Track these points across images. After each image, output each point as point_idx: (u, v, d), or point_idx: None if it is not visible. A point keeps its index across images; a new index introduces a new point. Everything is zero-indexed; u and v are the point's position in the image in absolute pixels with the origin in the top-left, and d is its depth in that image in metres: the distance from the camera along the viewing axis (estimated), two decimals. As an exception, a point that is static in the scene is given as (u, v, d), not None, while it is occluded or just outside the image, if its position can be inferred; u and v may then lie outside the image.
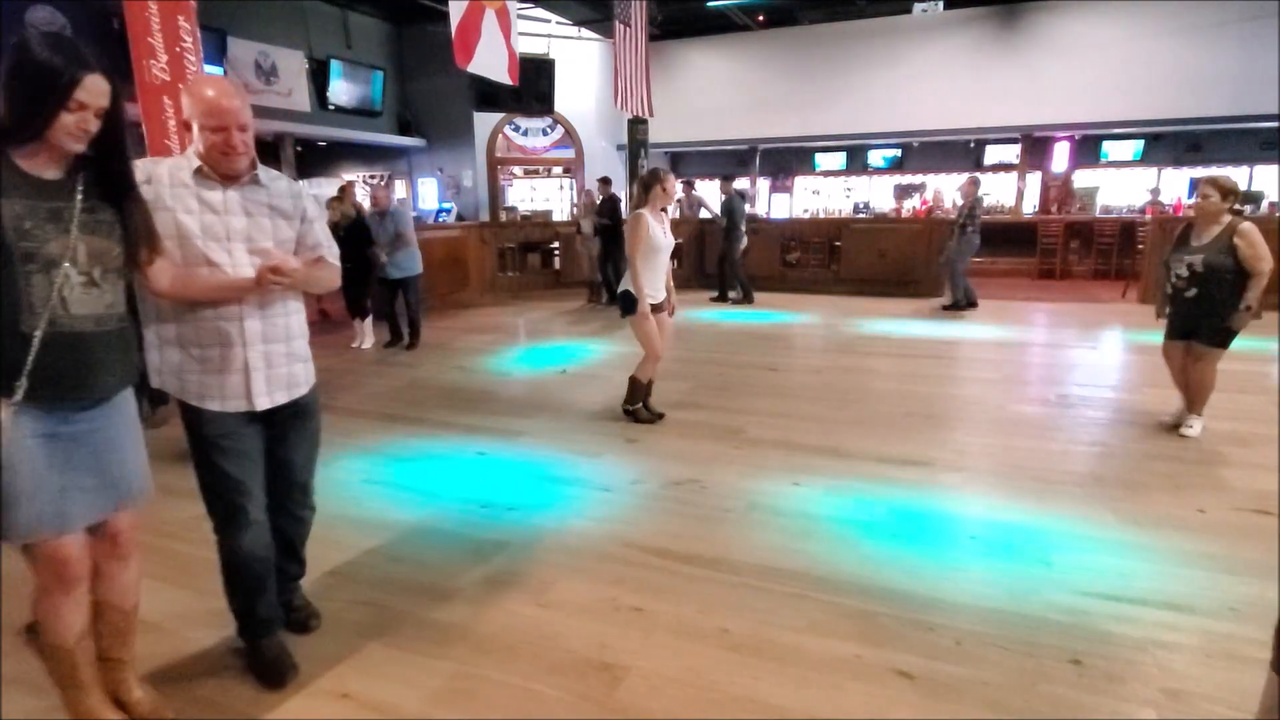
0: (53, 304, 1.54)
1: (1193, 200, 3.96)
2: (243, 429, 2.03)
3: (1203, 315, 3.86)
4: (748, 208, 9.81)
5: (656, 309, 4.30)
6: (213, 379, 1.96)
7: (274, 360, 2.03)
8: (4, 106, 1.51)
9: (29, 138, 1.53)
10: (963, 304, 8.57)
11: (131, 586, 1.85)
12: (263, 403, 2.01)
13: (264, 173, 2.01)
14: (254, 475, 2.05)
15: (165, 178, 1.89)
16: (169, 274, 1.83)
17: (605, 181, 9.36)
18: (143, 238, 1.73)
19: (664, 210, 4.31)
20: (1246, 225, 3.75)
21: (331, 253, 2.16)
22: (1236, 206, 3.92)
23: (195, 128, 1.89)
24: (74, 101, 1.52)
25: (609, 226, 8.85)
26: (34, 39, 1.51)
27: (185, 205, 1.89)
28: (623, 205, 9.38)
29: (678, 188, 12.87)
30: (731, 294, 9.54)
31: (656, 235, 4.18)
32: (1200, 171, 13.09)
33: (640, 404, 4.46)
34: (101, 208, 1.63)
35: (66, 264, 1.55)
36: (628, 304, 4.24)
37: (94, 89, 1.54)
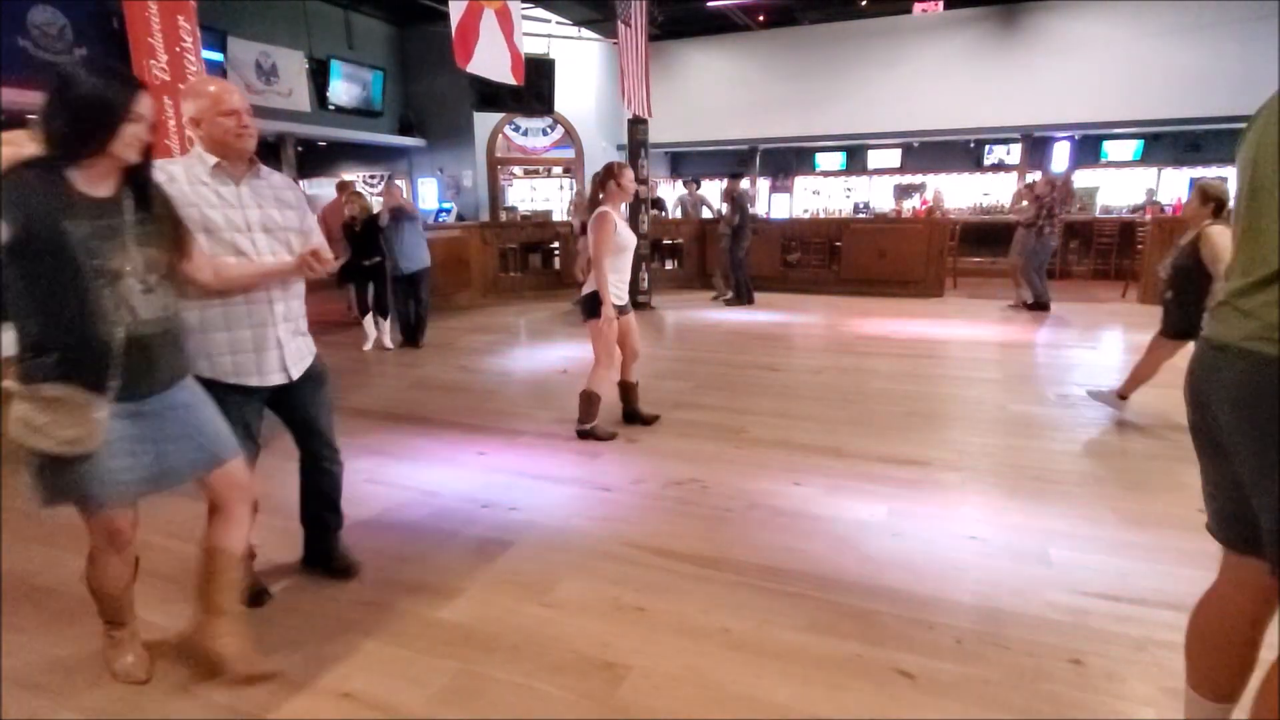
0: (124, 313, 1.69)
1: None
2: (257, 409, 2.31)
3: (1179, 316, 3.97)
4: (749, 208, 9.80)
5: (621, 311, 4.06)
6: (246, 358, 2.19)
7: (293, 336, 2.30)
8: (66, 127, 1.62)
9: (94, 152, 1.65)
10: (1042, 303, 8.39)
11: (244, 534, 2.05)
12: (296, 373, 2.30)
13: (262, 167, 2.23)
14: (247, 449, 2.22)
15: (183, 177, 2.06)
16: (209, 268, 2.00)
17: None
18: (180, 237, 1.88)
19: (625, 206, 4.06)
20: (1213, 229, 3.79)
21: (320, 239, 2.35)
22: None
23: (204, 123, 2.07)
24: (134, 113, 1.66)
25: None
26: (79, 67, 1.66)
27: (208, 201, 2.08)
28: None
29: (684, 187, 12.76)
30: (727, 294, 9.50)
31: (623, 233, 3.94)
32: (1200, 172, 13.13)
33: (595, 423, 4.12)
34: (147, 218, 1.76)
35: (130, 277, 1.70)
36: (592, 307, 3.97)
37: (146, 101, 1.71)
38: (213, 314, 2.12)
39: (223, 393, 2.10)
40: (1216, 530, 1.56)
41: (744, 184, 9.67)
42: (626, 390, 4.36)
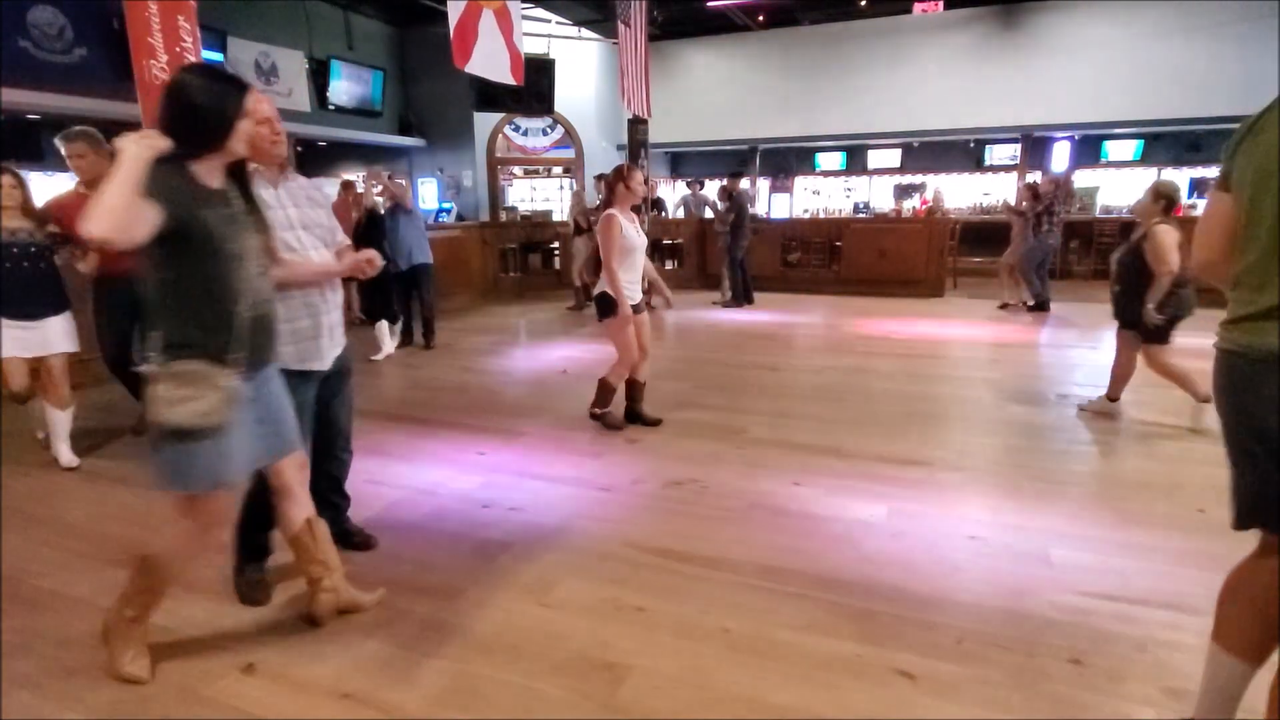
0: (249, 294, 1.88)
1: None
2: (313, 394, 2.42)
3: (1128, 309, 4.13)
4: (748, 207, 9.81)
5: (635, 310, 4.15)
6: (309, 345, 2.34)
7: (337, 326, 2.48)
8: (187, 124, 1.79)
9: (214, 147, 1.83)
10: (1042, 303, 8.40)
11: (308, 499, 2.24)
12: (338, 355, 2.48)
13: (290, 170, 2.38)
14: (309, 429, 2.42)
15: None
16: (279, 261, 2.16)
17: (602, 178, 9.33)
18: (267, 228, 2.04)
19: (633, 208, 4.15)
20: (1159, 228, 3.89)
21: (344, 236, 2.54)
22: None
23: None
24: (246, 110, 1.85)
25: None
26: (194, 70, 1.88)
27: None
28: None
29: (688, 187, 12.76)
30: (727, 295, 9.50)
31: (630, 235, 4.02)
32: (1200, 172, 13.13)
33: (609, 409, 4.31)
34: (251, 208, 1.95)
35: (250, 260, 1.89)
36: (606, 307, 4.07)
37: (258, 98, 1.90)
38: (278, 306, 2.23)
39: (286, 380, 2.21)
40: (1250, 518, 1.58)
41: (744, 183, 9.68)
42: (633, 388, 4.38)
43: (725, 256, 9.35)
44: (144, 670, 2.04)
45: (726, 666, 2.09)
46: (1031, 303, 8.51)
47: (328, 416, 2.60)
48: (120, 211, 1.59)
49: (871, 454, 3.81)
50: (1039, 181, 8.64)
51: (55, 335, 3.71)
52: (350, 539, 2.79)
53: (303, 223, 2.34)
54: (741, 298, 9.34)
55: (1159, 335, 4.05)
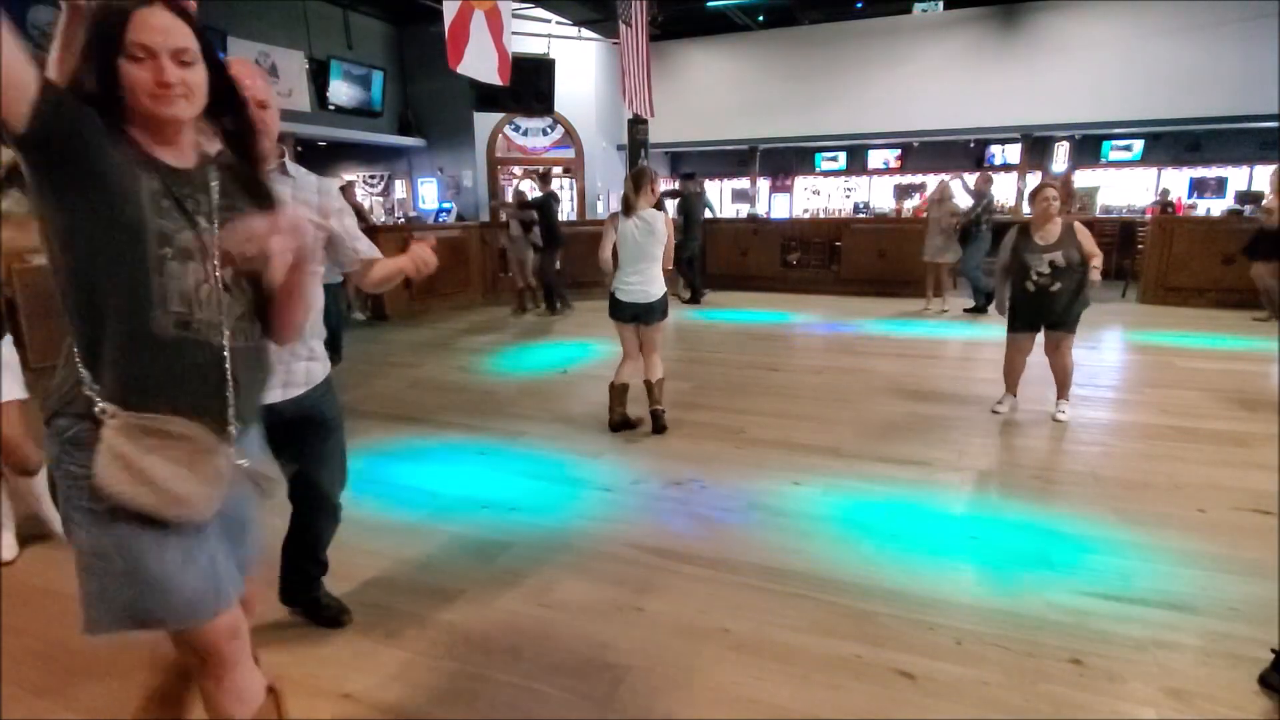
0: (186, 301, 1.19)
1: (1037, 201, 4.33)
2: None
3: (1065, 306, 4.21)
4: (747, 208, 9.89)
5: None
6: None
7: (309, 355, 2.03)
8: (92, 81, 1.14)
9: (110, 103, 1.14)
10: (984, 306, 8.35)
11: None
12: (302, 397, 2.00)
13: (292, 166, 2.01)
14: None
15: None
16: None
17: (545, 178, 9.29)
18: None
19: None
20: (1079, 223, 4.24)
21: (373, 251, 2.07)
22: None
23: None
24: (136, 46, 1.11)
25: (538, 224, 8.65)
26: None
27: None
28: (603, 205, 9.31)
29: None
30: (687, 293, 9.62)
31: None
32: (1200, 172, 13.13)
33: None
34: (242, 202, 1.30)
35: (201, 260, 1.21)
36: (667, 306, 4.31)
37: (150, 24, 1.11)
38: None
39: None
40: None
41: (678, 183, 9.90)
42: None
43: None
44: None
45: (726, 667, 2.09)
46: (976, 304, 8.46)
47: (305, 478, 2.05)
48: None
49: (871, 454, 3.81)
50: (977, 180, 8.55)
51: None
52: (320, 611, 2.34)
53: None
54: (697, 294, 9.57)
55: (1019, 326, 4.41)
